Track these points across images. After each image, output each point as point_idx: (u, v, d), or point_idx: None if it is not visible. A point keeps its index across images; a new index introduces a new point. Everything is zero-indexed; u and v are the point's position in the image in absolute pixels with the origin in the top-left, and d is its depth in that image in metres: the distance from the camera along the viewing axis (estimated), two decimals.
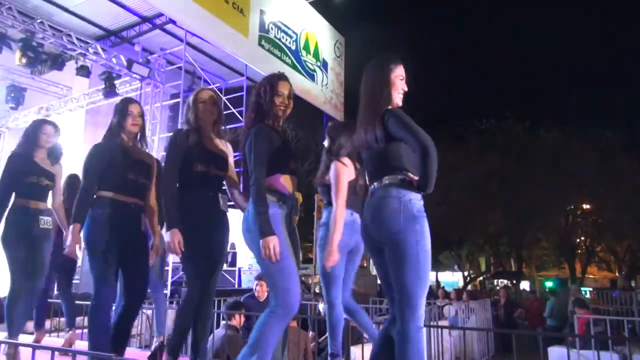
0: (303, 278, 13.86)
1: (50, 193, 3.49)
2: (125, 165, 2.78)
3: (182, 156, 2.60)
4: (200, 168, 2.59)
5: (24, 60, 7.96)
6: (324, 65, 12.01)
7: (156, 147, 9.31)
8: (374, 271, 24.83)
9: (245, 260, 11.00)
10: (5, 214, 3.26)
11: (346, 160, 2.99)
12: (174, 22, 8.58)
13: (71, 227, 2.66)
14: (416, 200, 2.15)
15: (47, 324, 4.90)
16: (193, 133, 2.65)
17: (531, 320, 9.89)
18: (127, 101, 2.96)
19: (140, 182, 2.83)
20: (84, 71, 8.91)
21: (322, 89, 11.88)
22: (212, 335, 3.99)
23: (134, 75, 9.35)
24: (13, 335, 3.23)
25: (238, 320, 4.38)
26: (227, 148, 2.84)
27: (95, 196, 2.75)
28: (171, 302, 6.22)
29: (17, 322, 3.26)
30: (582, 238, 21.40)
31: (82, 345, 3.91)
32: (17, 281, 3.27)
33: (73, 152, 10.33)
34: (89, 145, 3.14)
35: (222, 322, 4.31)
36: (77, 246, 2.64)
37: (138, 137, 2.94)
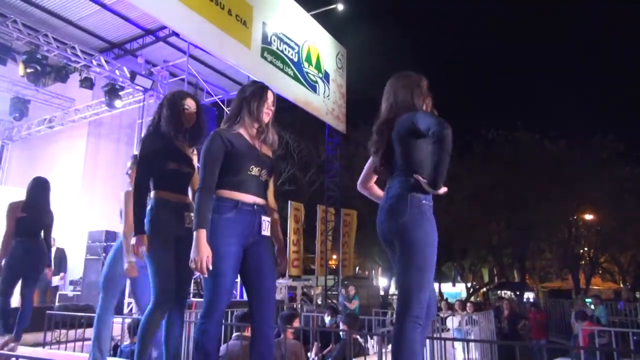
0: (305, 289, 13.70)
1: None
2: (249, 159, 2.33)
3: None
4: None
5: (28, 73, 8.02)
6: (326, 76, 12.07)
7: None
8: (375, 282, 24.62)
9: None
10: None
11: None
12: (176, 35, 8.65)
13: (195, 234, 2.15)
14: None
15: (48, 336, 4.87)
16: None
17: (535, 332, 9.81)
18: (264, 87, 2.47)
19: (263, 179, 2.39)
20: (87, 83, 8.96)
21: (324, 100, 11.92)
22: (225, 345, 3.97)
23: (137, 87, 9.40)
24: None
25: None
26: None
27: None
28: None
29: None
30: (586, 249, 21.27)
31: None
32: (158, 298, 2.58)
33: (75, 163, 10.38)
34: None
35: (235, 334, 4.29)
36: (203, 259, 2.12)
37: (264, 128, 2.45)
